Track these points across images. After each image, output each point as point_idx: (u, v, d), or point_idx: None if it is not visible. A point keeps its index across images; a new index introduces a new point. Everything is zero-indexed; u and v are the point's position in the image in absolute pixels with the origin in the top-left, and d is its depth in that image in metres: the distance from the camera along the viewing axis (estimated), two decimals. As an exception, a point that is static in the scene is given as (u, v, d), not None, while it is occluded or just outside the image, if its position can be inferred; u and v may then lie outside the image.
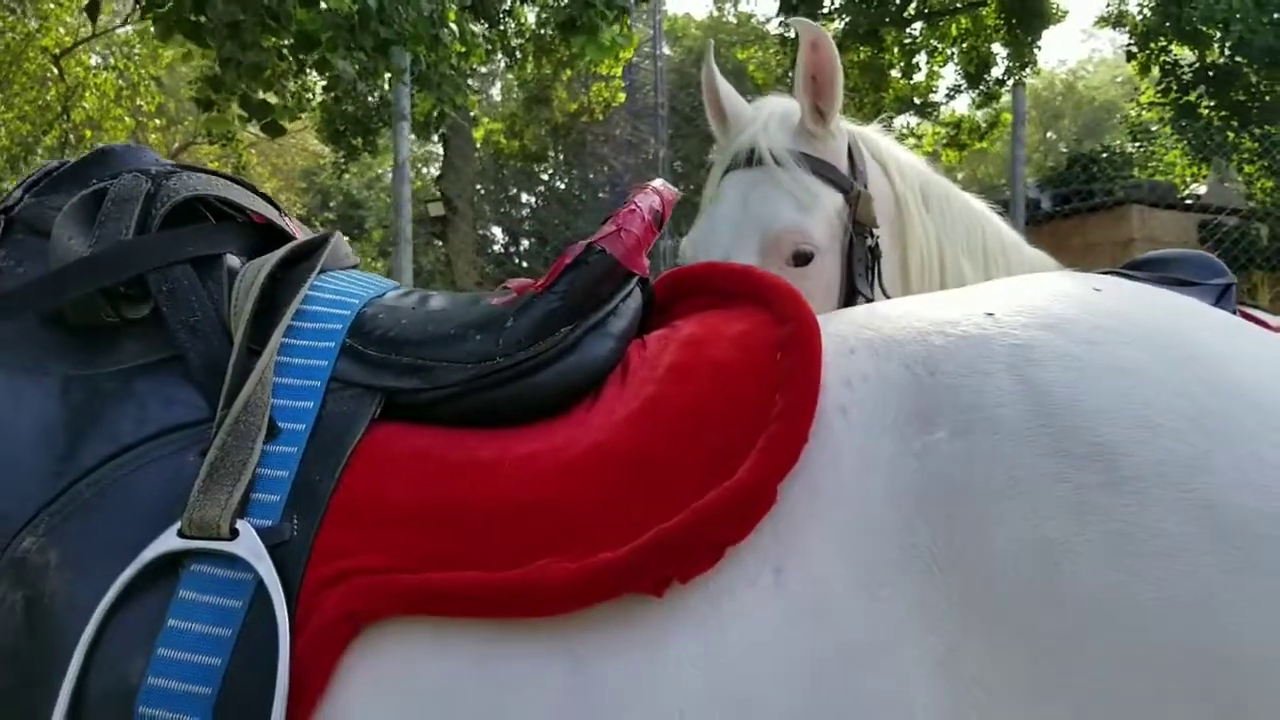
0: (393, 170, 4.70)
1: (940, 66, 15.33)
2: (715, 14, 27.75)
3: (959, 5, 13.95)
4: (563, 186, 23.23)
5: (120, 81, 13.65)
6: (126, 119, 14.11)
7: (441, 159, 14.76)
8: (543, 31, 10.80)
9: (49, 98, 13.05)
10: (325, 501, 0.79)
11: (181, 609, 0.75)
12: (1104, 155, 14.45)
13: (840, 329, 0.89)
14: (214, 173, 1.00)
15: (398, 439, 0.84)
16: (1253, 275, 9.63)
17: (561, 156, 21.37)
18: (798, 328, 0.87)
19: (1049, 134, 32.27)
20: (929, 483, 0.77)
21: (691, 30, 26.81)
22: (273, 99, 5.19)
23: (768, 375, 0.84)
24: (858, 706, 0.72)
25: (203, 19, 4.22)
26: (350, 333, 0.89)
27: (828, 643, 0.73)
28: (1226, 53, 10.96)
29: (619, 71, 12.26)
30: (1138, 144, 14.83)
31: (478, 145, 15.56)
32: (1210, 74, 11.29)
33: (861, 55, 14.19)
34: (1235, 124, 11.18)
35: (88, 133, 13.43)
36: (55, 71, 12.91)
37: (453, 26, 5.42)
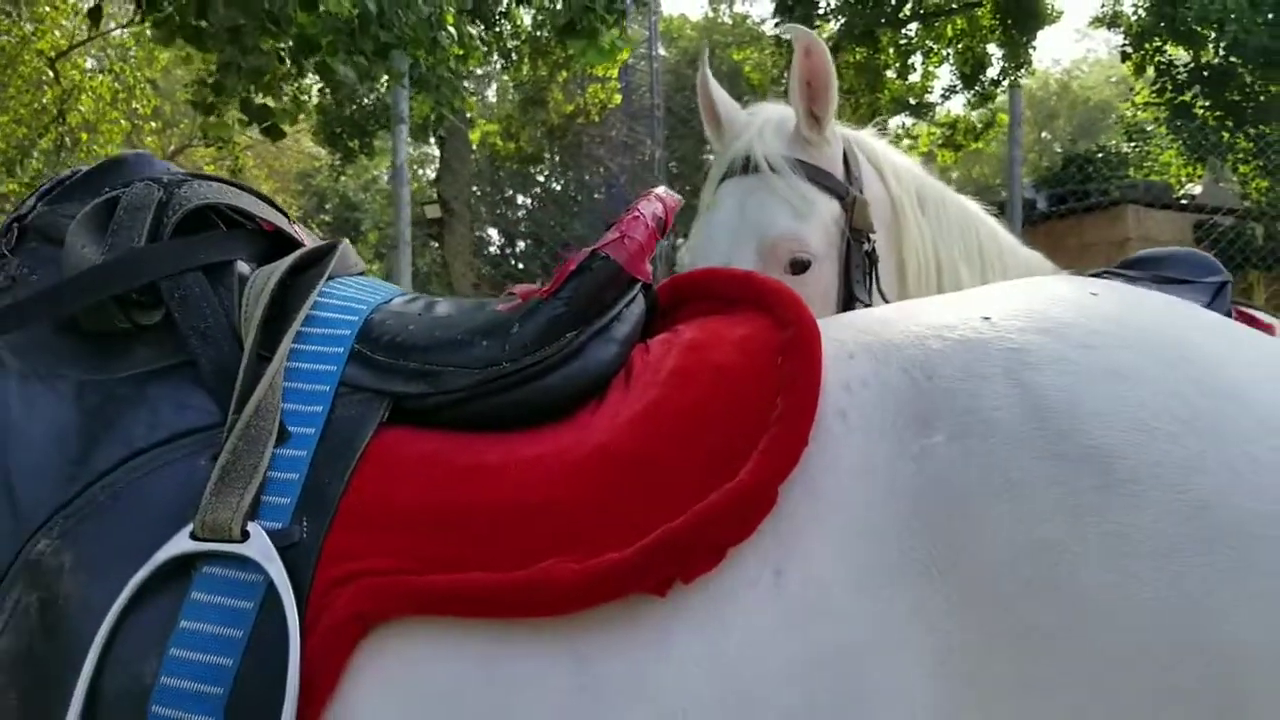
0: (392, 173, 4.70)
1: (935, 67, 15.34)
2: (710, 15, 27.75)
3: (954, 6, 13.96)
4: (559, 188, 23.20)
5: (116, 84, 13.62)
6: (122, 122, 14.08)
7: (438, 161, 14.76)
8: (539, 33, 10.78)
9: (45, 101, 13.02)
10: (334, 504, 0.80)
11: (194, 610, 0.76)
12: (1099, 155, 14.48)
13: (840, 334, 0.90)
14: (224, 180, 1.01)
15: (405, 443, 0.85)
16: (1248, 275, 9.65)
17: (557, 158, 21.34)
18: (798, 332, 0.88)
19: (1044, 134, 32.28)
20: (927, 485, 0.78)
21: (687, 31, 26.80)
22: (271, 102, 5.19)
23: (769, 379, 0.85)
24: (858, 705, 0.73)
25: (204, 23, 4.23)
26: (358, 338, 0.90)
27: (828, 642, 0.74)
28: (1221, 53, 10.97)
29: (615, 73, 12.26)
30: (1133, 144, 14.85)
31: (474, 147, 15.56)
32: (1205, 74, 11.31)
33: (857, 56, 14.20)
34: (1230, 124, 11.19)
35: (83, 136, 13.41)
36: (51, 75, 12.88)
37: (451, 30, 5.42)
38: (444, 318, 0.93)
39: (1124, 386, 0.79)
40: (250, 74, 4.55)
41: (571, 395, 0.88)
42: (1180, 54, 11.75)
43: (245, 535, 0.77)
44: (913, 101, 15.80)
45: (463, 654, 0.76)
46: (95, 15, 5.36)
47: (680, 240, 1.94)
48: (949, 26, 14.13)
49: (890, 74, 14.94)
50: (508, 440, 0.85)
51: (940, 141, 15.75)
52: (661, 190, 1.04)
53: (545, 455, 0.83)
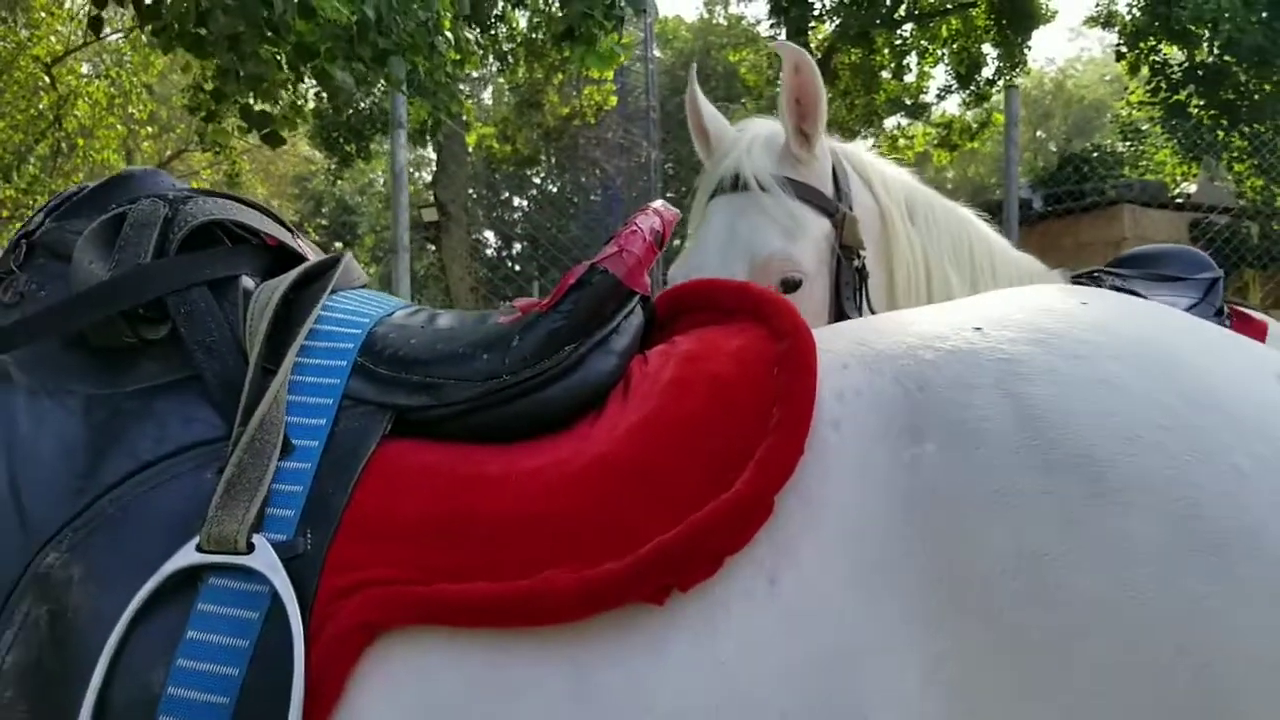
0: (391, 179, 4.71)
1: (931, 67, 15.37)
2: (705, 16, 27.74)
3: (949, 6, 13.98)
4: (555, 190, 23.21)
5: (112, 89, 13.62)
6: (119, 127, 14.08)
7: (434, 164, 14.75)
8: (534, 35, 10.78)
9: (41, 106, 13.01)
10: (338, 516, 0.81)
11: (200, 621, 0.78)
12: (1094, 155, 14.50)
13: (834, 344, 0.91)
14: (229, 196, 1.02)
15: (408, 454, 0.86)
16: (1244, 273, 9.67)
17: (553, 160, 21.34)
18: (794, 343, 0.89)
19: (1039, 132, 32.29)
20: (919, 494, 0.79)
21: (682, 33, 26.79)
22: (269, 109, 5.19)
23: (765, 389, 0.86)
24: (853, 711, 0.74)
25: (203, 31, 4.22)
26: (361, 352, 0.91)
27: (823, 647, 0.75)
28: (1215, 52, 10.99)
29: (610, 75, 12.26)
30: (1128, 143, 14.87)
31: (470, 150, 15.55)
32: (1199, 73, 11.33)
33: (852, 57, 14.22)
34: (1225, 123, 11.21)
35: (80, 141, 13.40)
36: (47, 80, 12.88)
37: (448, 35, 5.42)
38: (446, 331, 0.94)
39: (1112, 397, 0.80)
40: (249, 80, 4.55)
41: (571, 407, 0.89)
42: (1174, 53, 11.77)
43: (250, 547, 0.79)
44: (908, 102, 15.83)
45: (464, 662, 0.77)
46: (96, 25, 5.36)
47: (673, 265, 1.93)
48: (944, 27, 14.16)
49: (886, 74, 14.97)
50: (509, 451, 0.86)
51: (936, 142, 15.78)
52: (659, 204, 1.05)
53: (545, 466, 0.84)
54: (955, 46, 14.22)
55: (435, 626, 0.77)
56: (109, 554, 0.81)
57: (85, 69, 14.40)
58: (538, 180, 24.58)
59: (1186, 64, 11.54)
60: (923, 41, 14.60)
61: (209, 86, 5.30)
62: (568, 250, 10.97)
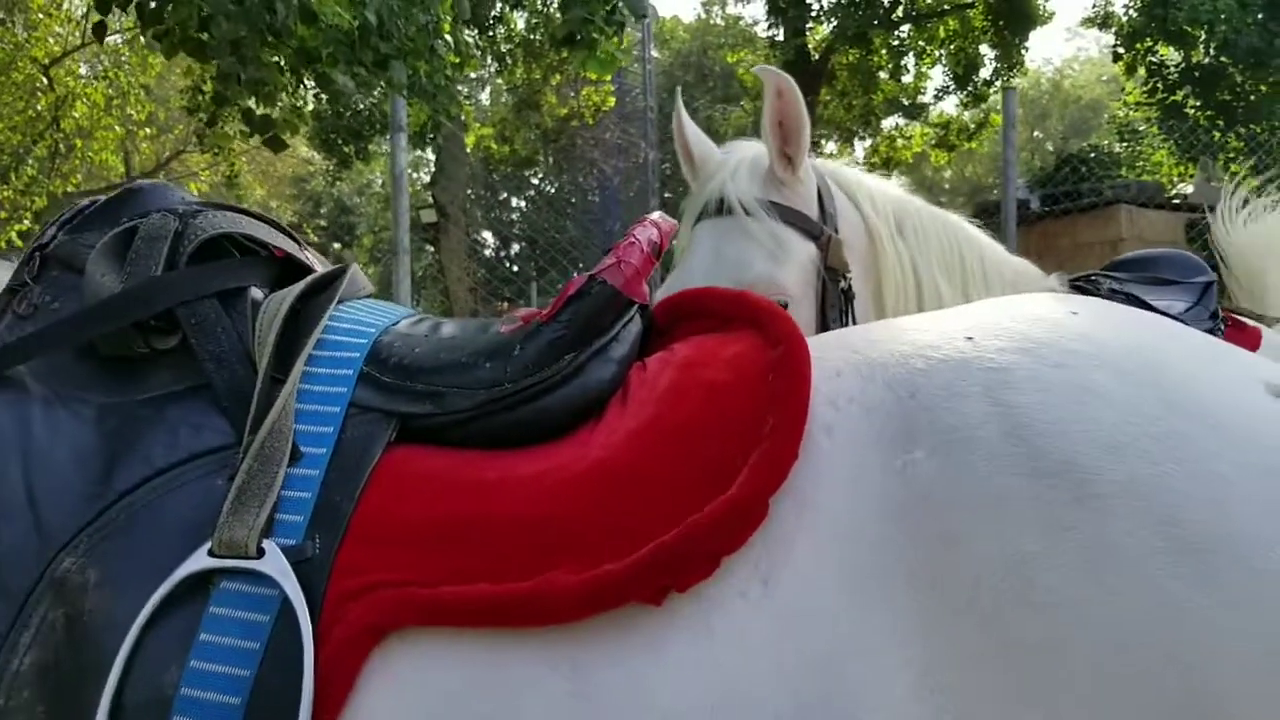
0: (391, 182, 4.72)
1: (928, 68, 15.40)
2: (703, 17, 27.72)
3: (947, 7, 14.00)
4: (553, 190, 23.19)
5: (110, 91, 13.62)
6: (117, 128, 14.08)
7: (433, 165, 14.75)
8: (532, 35, 10.78)
9: (39, 108, 13.01)
10: (345, 521, 0.83)
11: (212, 624, 0.80)
12: (1092, 155, 14.50)
13: (827, 352, 0.93)
14: (238, 209, 1.04)
15: (413, 461, 0.88)
16: (1239, 274, 9.65)
17: (551, 161, 21.34)
18: (789, 351, 0.90)
19: (1035, 133, 32.29)
20: (909, 499, 0.80)
21: (679, 33, 26.77)
22: (269, 112, 5.20)
23: (760, 396, 0.87)
24: (846, 712, 0.75)
25: (206, 36, 4.23)
26: (367, 360, 0.93)
27: (816, 649, 0.77)
28: (1211, 53, 11.02)
29: (608, 76, 12.28)
30: (1125, 144, 14.90)
31: (468, 151, 15.55)
32: (1196, 74, 11.35)
33: (850, 58, 14.24)
34: (1221, 123, 11.23)
35: (78, 142, 13.40)
36: (45, 81, 12.88)
37: (448, 38, 5.43)
38: (449, 340, 0.96)
39: (1097, 405, 0.81)
40: (250, 85, 4.56)
41: (571, 414, 0.91)
42: (1171, 54, 11.80)
43: (261, 552, 0.81)
44: (906, 102, 15.86)
45: (466, 662, 0.79)
46: (100, 31, 5.36)
47: (658, 290, 1.93)
48: (941, 28, 14.18)
49: (883, 75, 14.99)
50: (511, 457, 0.88)
51: (933, 142, 15.81)
52: (656, 216, 1.07)
53: (546, 471, 0.86)
54: (953, 47, 14.25)
55: (439, 628, 0.79)
56: (123, 559, 0.82)
57: (83, 70, 14.40)
58: (536, 181, 24.58)
59: (1183, 65, 11.57)
60: (920, 42, 14.63)
61: (208, 89, 5.31)
62: (566, 251, 10.98)
